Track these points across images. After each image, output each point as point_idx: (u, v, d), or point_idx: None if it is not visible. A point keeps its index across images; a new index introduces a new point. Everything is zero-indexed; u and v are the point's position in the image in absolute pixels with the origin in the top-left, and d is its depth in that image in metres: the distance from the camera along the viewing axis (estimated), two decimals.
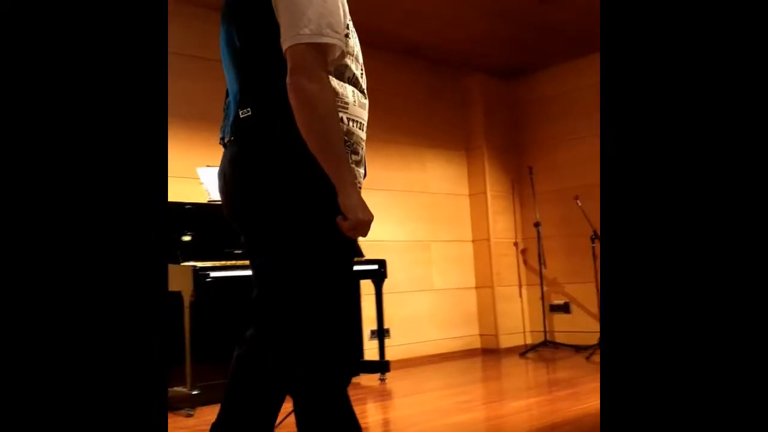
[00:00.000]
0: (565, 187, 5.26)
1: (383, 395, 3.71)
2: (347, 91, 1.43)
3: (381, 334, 4.09)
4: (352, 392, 3.73)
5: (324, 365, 1.37)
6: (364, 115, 1.48)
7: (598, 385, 3.58)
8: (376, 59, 4.74)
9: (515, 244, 5.53)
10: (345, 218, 1.34)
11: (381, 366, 4.06)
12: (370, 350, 4.37)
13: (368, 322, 4.38)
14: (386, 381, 4.03)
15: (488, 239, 5.37)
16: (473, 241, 5.47)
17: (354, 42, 1.46)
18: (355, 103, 1.44)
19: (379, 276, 4.09)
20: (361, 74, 1.49)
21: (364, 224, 1.34)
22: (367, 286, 4.27)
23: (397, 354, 4.64)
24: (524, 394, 3.41)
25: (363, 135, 1.49)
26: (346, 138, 1.40)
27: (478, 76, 5.49)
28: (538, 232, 5.16)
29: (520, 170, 5.57)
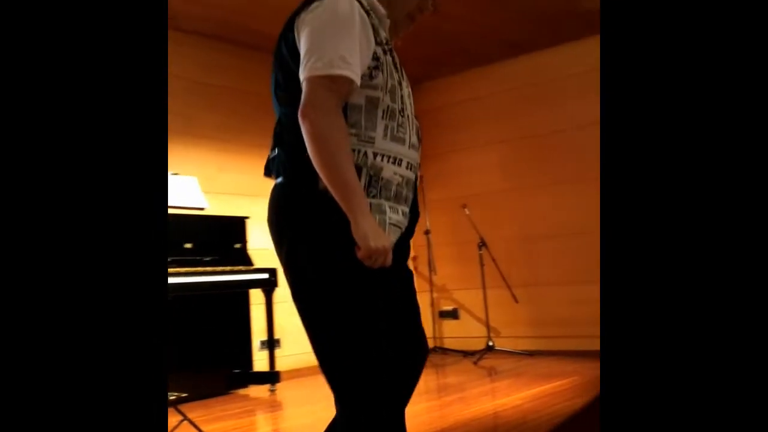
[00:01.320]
0: (454, 195, 5.37)
1: (273, 406, 3.64)
2: (376, 124, 1.42)
3: (271, 344, 4.01)
4: (239, 404, 3.64)
5: (361, 407, 1.35)
6: (400, 150, 1.45)
7: (486, 389, 3.67)
8: (258, 62, 4.68)
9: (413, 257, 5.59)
10: (359, 248, 1.32)
11: (271, 377, 3.98)
12: (260, 361, 4.28)
13: (258, 333, 4.29)
14: (276, 392, 3.96)
15: None
16: None
17: (388, 75, 1.46)
18: (387, 137, 1.43)
19: (269, 285, 4.01)
20: (402, 109, 1.47)
21: (377, 252, 1.32)
22: (257, 296, 4.19)
23: (289, 364, 4.57)
24: (415, 400, 3.42)
25: (401, 171, 1.46)
26: (371, 173, 1.40)
27: None
28: (428, 240, 5.24)
29: (421, 177, 5.64)
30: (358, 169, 1.39)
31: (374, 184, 1.42)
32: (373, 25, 1.45)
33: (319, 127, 1.33)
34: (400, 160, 1.46)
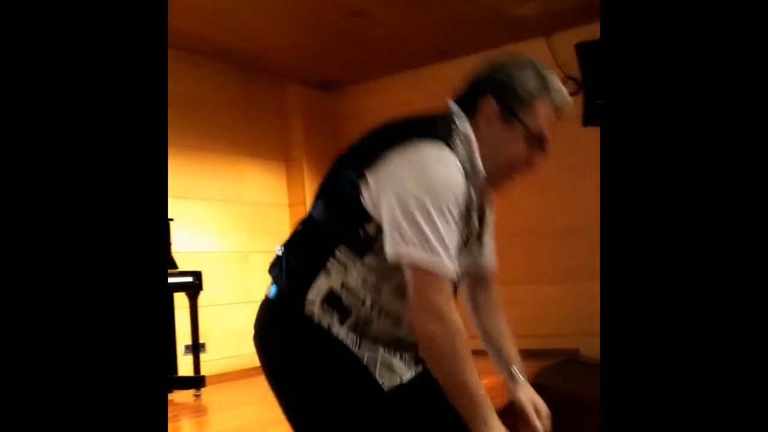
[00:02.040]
0: None
1: (198, 411, 3.58)
2: (390, 280, 1.32)
3: (196, 348, 3.95)
4: None
5: None
6: (402, 311, 1.33)
7: None
8: (184, 62, 4.61)
9: None
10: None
11: (195, 381, 3.91)
12: (185, 366, 4.20)
13: (183, 337, 4.21)
14: (201, 396, 3.90)
15: None
16: None
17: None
18: (392, 294, 1.33)
19: (193, 288, 3.95)
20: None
21: None
22: (181, 299, 4.11)
23: (215, 369, 4.50)
24: None
25: (395, 331, 1.36)
26: (361, 324, 1.33)
27: (296, 86, 5.49)
28: None
29: None
30: (349, 314, 1.34)
31: (365, 331, 1.35)
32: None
33: (436, 335, 1.24)
34: (401, 320, 1.36)
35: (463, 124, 1.38)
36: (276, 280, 1.42)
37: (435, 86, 5.52)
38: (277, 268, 1.42)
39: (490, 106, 1.39)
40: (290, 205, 5.50)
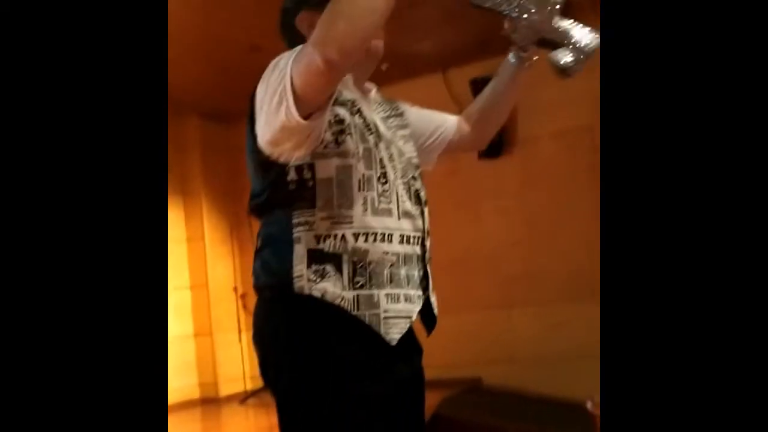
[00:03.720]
0: None
1: None
2: (352, 199, 1.25)
3: None
4: None
5: None
6: (388, 223, 1.28)
7: None
8: None
9: (235, 289, 5.46)
10: None
11: None
12: None
13: None
14: None
15: (206, 285, 5.24)
16: (191, 287, 5.29)
17: (359, 138, 1.29)
18: (367, 211, 1.26)
19: None
20: (382, 174, 1.29)
21: None
22: None
23: None
24: None
25: (394, 247, 1.29)
26: (354, 259, 1.25)
27: (194, 120, 5.39)
28: None
29: (238, 215, 5.55)
30: (338, 258, 1.25)
31: (360, 272, 1.26)
32: None
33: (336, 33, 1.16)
34: (390, 236, 1.29)
35: None
36: (257, 283, 1.37)
37: None
38: (256, 269, 1.38)
39: (306, 19, 1.40)
40: (188, 240, 5.35)
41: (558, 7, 1.47)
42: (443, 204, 4.58)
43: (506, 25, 1.47)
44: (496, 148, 4.23)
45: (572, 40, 1.45)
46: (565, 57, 1.44)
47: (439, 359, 4.36)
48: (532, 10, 1.45)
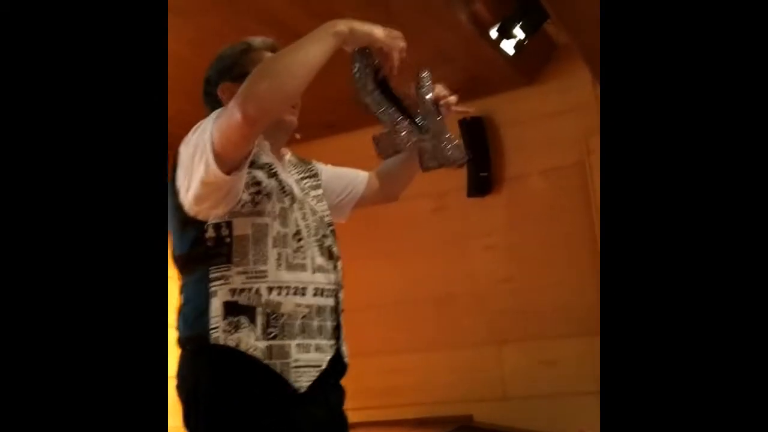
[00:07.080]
0: None
1: None
2: (267, 255, 1.33)
3: None
4: None
5: None
6: (302, 277, 1.35)
7: None
8: None
9: None
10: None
11: None
12: None
13: None
14: None
15: None
16: None
17: (276, 199, 1.37)
18: (281, 266, 1.33)
19: None
20: (297, 232, 1.37)
21: (385, 33, 1.36)
22: None
23: None
24: None
25: (307, 300, 1.35)
26: (268, 311, 1.31)
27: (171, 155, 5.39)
28: None
29: None
30: (252, 310, 1.31)
31: (273, 323, 1.32)
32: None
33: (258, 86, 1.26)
34: (304, 289, 1.36)
35: None
36: (179, 336, 1.41)
37: (328, 157, 5.62)
38: (178, 324, 1.42)
39: (227, 90, 1.48)
40: None
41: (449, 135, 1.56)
42: (431, 242, 4.60)
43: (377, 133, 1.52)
44: (485, 185, 4.27)
45: (444, 156, 1.53)
46: (430, 163, 1.55)
47: (429, 397, 4.35)
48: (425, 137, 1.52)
